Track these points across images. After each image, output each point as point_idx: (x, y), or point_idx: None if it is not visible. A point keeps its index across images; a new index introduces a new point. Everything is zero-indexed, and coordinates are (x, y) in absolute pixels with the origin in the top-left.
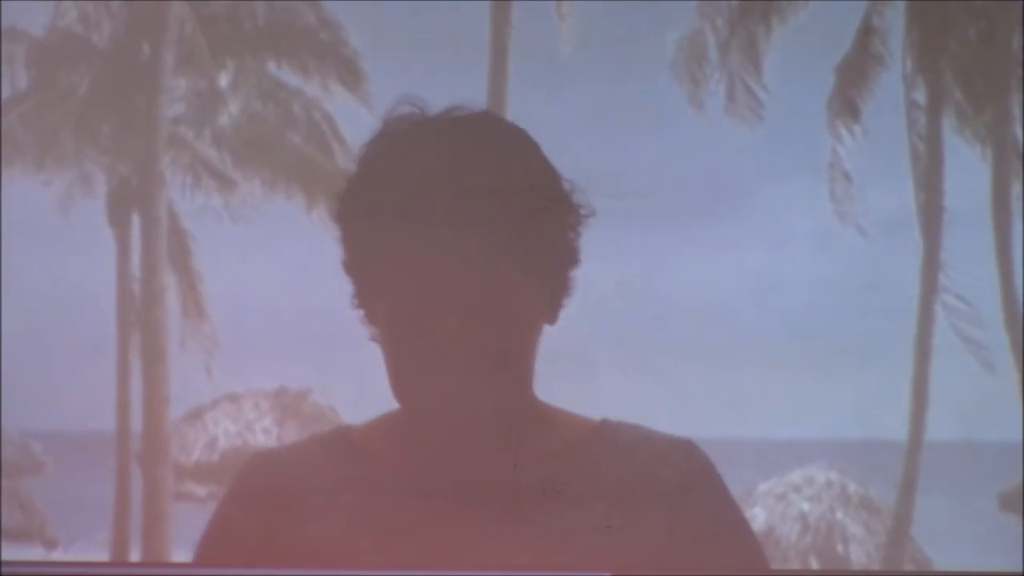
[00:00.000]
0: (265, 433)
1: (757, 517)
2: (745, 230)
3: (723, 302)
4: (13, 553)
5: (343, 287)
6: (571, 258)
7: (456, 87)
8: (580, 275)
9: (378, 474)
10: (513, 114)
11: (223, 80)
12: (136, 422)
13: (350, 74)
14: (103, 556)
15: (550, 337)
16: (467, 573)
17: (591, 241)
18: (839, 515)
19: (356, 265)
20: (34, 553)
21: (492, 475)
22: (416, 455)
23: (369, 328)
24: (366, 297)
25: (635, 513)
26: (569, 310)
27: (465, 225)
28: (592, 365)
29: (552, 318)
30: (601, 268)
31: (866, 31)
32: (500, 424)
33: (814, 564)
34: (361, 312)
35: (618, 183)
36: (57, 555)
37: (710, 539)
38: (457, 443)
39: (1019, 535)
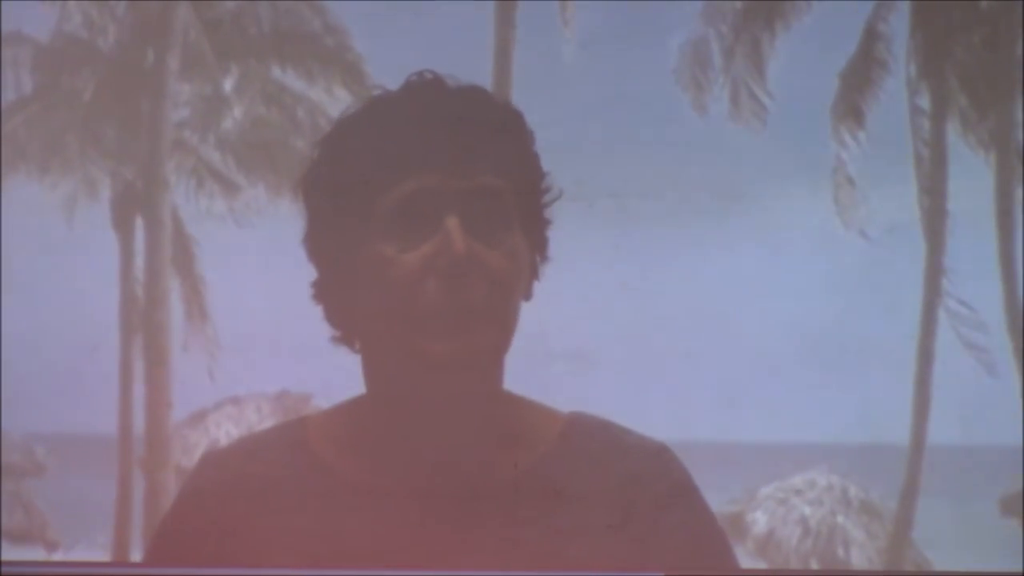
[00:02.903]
0: None
1: (758, 521)
2: (748, 232)
3: (725, 304)
4: (14, 555)
5: None
6: (544, 247)
7: None
8: (581, 275)
9: (328, 482)
10: None
11: (227, 85)
12: (138, 425)
13: (354, 78)
14: (104, 558)
15: (550, 337)
16: (465, 573)
17: (591, 241)
18: (840, 519)
19: (326, 253)
20: (35, 555)
21: (454, 478)
22: (370, 460)
23: (338, 323)
24: (337, 292)
25: (604, 529)
26: (569, 310)
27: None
28: (592, 365)
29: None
30: (602, 269)
31: (870, 36)
32: (473, 422)
33: (815, 568)
34: (326, 307)
35: (619, 183)
36: (58, 557)
37: (688, 561)
38: (424, 443)
39: (1020, 539)
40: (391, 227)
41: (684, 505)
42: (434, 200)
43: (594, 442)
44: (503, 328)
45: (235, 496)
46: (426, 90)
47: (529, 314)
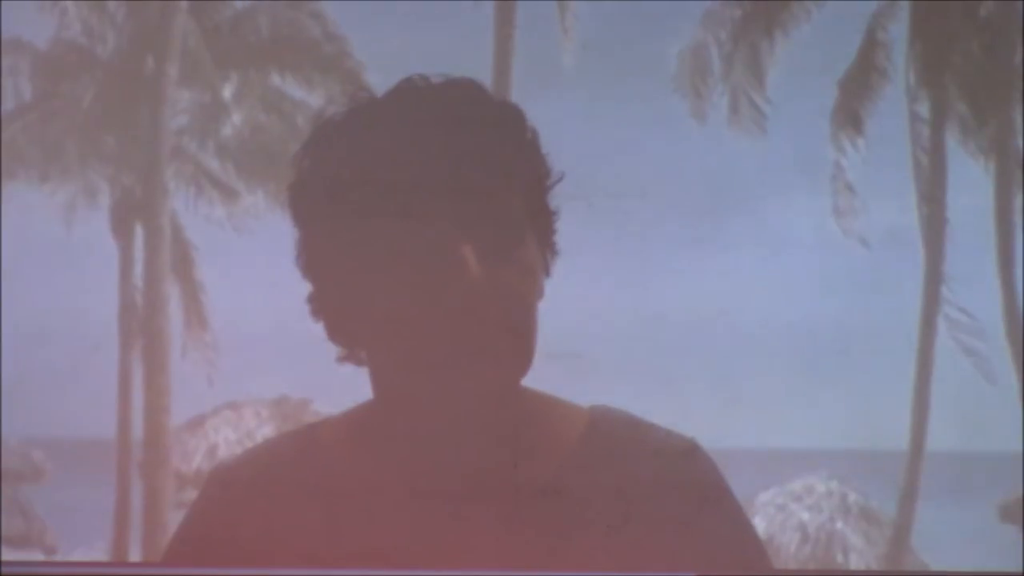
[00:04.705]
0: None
1: (757, 527)
2: (747, 235)
3: (723, 309)
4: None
5: None
6: (553, 244)
7: None
8: (580, 275)
9: (343, 484)
10: None
11: (227, 92)
12: (137, 430)
13: (354, 86)
14: None
15: (551, 337)
16: (467, 573)
17: (591, 241)
18: (839, 525)
19: (324, 265)
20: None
21: (472, 476)
22: (385, 458)
23: (335, 330)
24: (340, 306)
25: (634, 528)
26: (569, 310)
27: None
28: (592, 366)
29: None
30: (601, 269)
31: (870, 44)
32: (488, 423)
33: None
34: (322, 316)
35: (619, 184)
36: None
37: (722, 562)
38: (441, 449)
39: (1019, 545)
40: (399, 249)
41: (715, 508)
42: (443, 221)
43: (619, 441)
44: (526, 347)
45: (250, 497)
46: (418, 96)
47: None
